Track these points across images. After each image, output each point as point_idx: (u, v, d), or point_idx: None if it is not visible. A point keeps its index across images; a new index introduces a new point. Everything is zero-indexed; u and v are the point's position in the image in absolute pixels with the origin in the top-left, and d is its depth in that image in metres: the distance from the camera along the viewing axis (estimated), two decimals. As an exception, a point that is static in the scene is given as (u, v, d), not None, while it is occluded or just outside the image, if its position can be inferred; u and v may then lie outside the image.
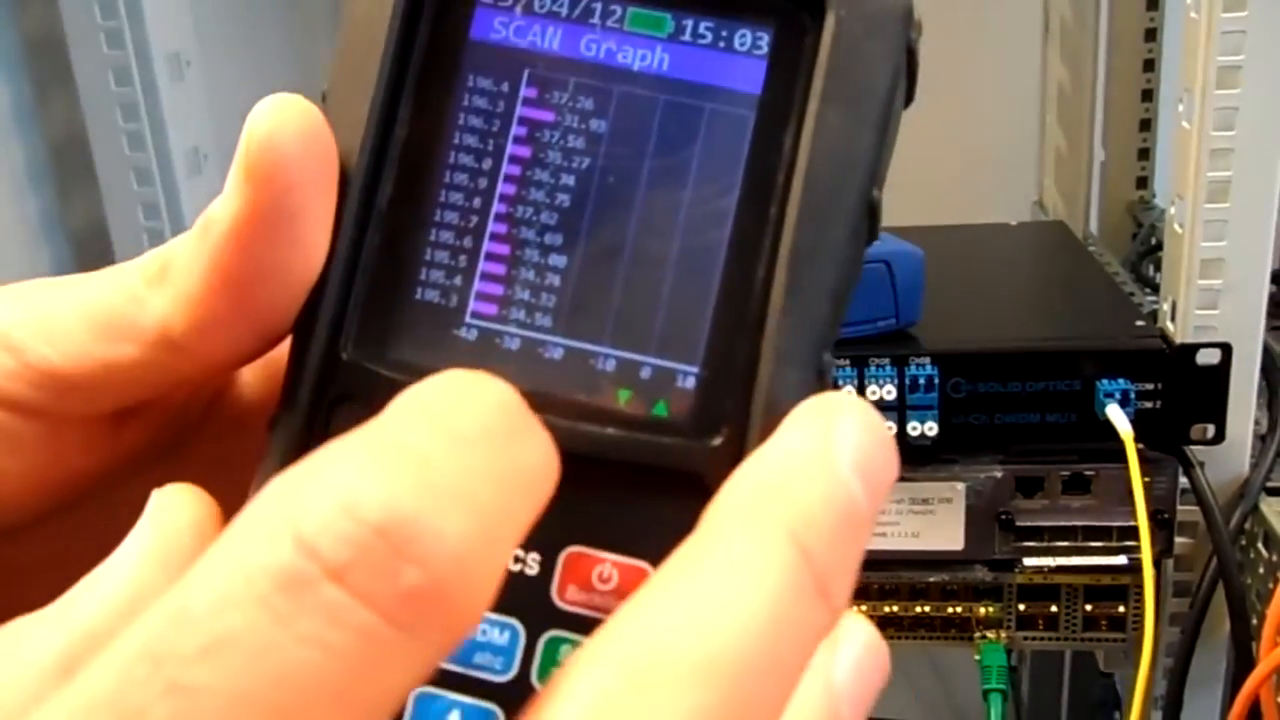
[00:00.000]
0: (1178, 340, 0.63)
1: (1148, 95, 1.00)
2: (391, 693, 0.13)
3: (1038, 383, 0.63)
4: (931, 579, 0.66)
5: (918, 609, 0.67)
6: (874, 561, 0.66)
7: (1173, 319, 0.64)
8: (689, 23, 0.19)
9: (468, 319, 0.19)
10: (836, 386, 0.63)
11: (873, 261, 0.64)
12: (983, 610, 0.67)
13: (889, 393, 0.63)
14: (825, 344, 0.18)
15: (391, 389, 0.15)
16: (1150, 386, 0.62)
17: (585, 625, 0.18)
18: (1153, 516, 0.61)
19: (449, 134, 0.20)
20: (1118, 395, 0.62)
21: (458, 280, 0.19)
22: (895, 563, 0.66)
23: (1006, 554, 0.65)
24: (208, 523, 0.18)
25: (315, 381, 0.19)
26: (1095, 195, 1.02)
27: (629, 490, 0.18)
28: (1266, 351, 0.65)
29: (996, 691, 0.65)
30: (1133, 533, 0.61)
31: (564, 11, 0.19)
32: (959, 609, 0.67)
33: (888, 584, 0.67)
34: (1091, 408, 0.62)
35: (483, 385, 0.15)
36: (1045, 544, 0.64)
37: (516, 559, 0.18)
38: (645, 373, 0.19)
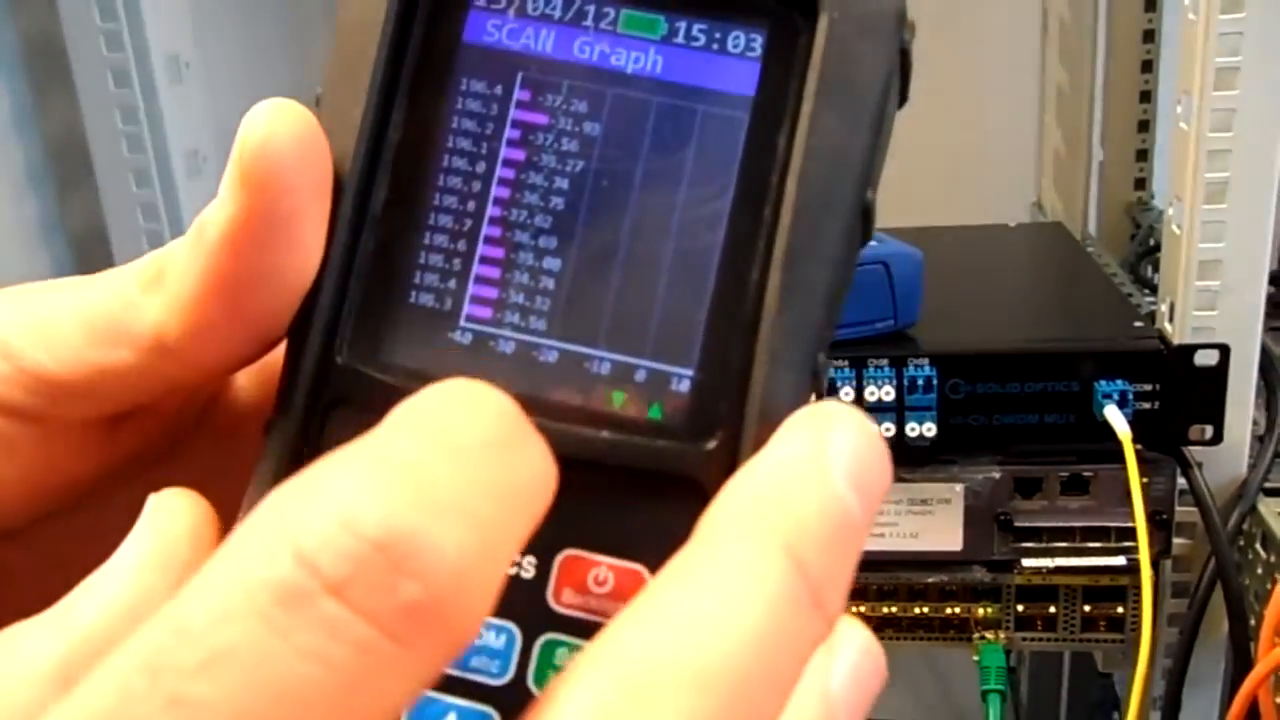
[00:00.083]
0: (1176, 341, 0.63)
1: (1146, 96, 1.00)
2: (390, 706, 0.13)
3: (1036, 384, 0.63)
4: (930, 580, 0.66)
5: (916, 610, 0.67)
6: (872, 562, 0.66)
7: (1171, 320, 0.64)
8: (682, 25, 0.19)
9: (462, 323, 0.19)
10: (832, 388, 0.63)
11: (871, 263, 0.64)
12: (981, 611, 0.67)
13: (887, 394, 0.63)
14: (820, 345, 0.18)
15: (386, 393, 0.15)
16: (1148, 387, 0.62)
17: (581, 628, 0.18)
18: (1151, 517, 0.61)
19: (443, 137, 0.19)
20: (1116, 396, 0.62)
21: (452, 284, 0.19)
22: (894, 563, 0.66)
23: (1005, 555, 0.65)
24: (205, 527, 0.18)
25: (310, 386, 0.19)
26: (1094, 196, 1.02)
27: (624, 493, 0.18)
28: (1264, 352, 0.65)
29: (995, 692, 0.65)
30: (1131, 533, 0.61)
31: (557, 14, 0.19)
32: (957, 610, 0.67)
33: (886, 585, 0.67)
34: (1090, 408, 0.62)
35: (481, 395, 0.15)
36: (1044, 545, 0.64)
37: (512, 562, 0.18)
38: (640, 376, 0.19)
